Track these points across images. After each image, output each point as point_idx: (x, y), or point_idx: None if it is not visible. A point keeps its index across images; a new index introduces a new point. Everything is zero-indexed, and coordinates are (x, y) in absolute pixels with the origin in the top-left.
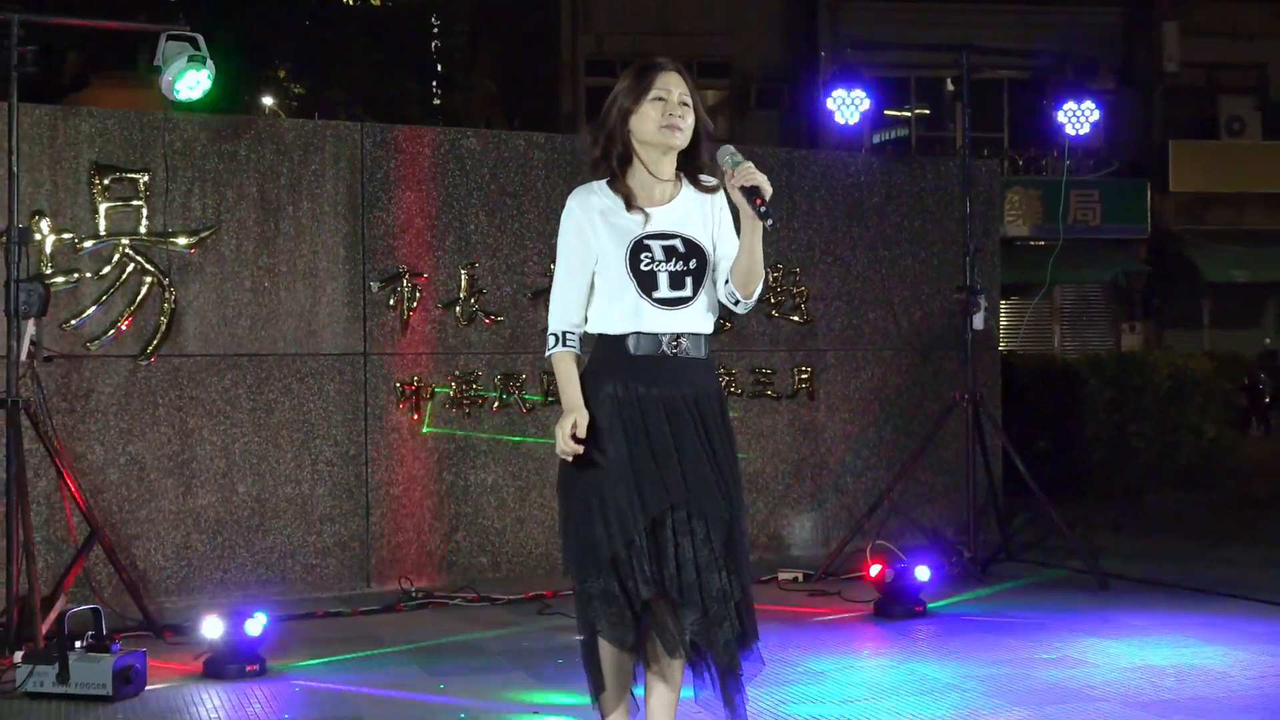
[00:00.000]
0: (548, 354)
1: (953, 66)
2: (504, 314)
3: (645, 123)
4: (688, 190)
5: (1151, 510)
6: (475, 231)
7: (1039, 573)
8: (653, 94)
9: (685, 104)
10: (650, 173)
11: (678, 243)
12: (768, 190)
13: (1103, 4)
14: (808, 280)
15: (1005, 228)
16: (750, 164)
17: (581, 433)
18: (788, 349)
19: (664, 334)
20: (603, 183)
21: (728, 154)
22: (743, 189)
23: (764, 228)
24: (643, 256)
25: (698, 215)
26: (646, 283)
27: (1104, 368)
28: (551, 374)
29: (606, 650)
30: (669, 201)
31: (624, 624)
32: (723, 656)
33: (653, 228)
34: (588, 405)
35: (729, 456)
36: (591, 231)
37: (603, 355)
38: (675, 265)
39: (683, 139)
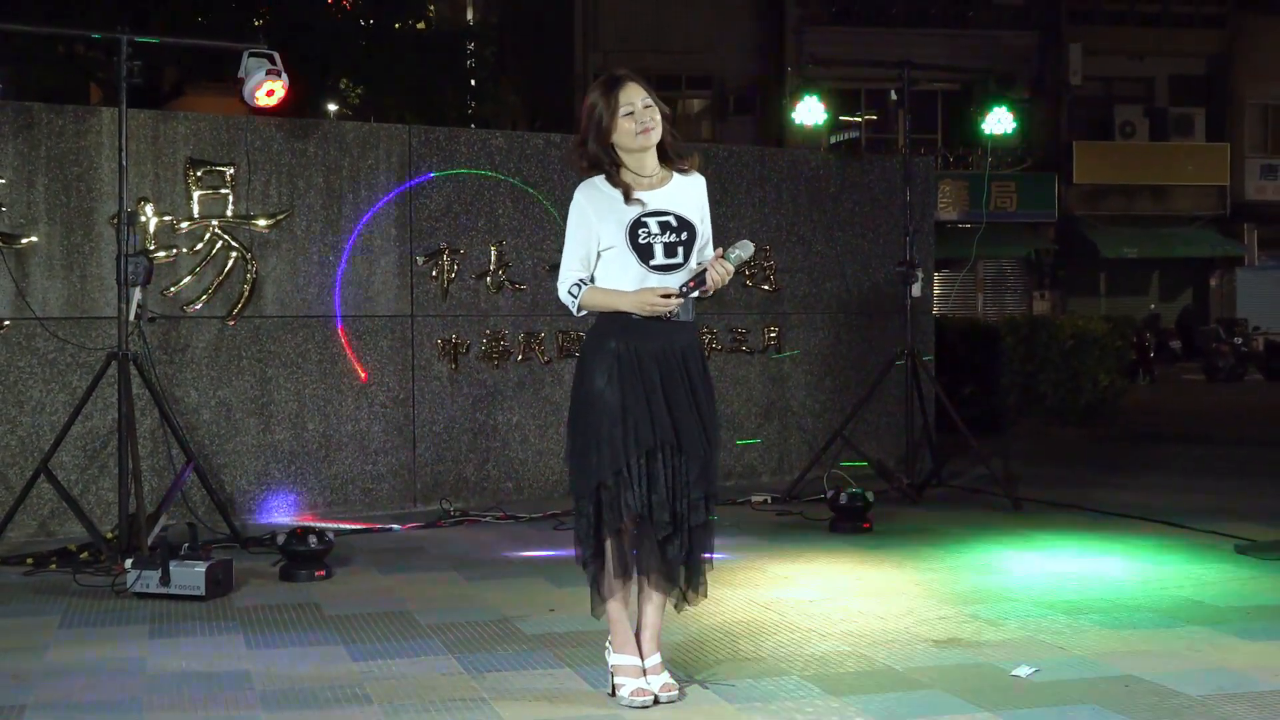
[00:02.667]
0: (577, 304)
1: (896, 80)
2: (526, 283)
3: (623, 136)
4: (678, 176)
5: (1057, 444)
6: (503, 215)
7: (964, 496)
8: (622, 110)
9: (649, 106)
10: (636, 166)
11: (670, 219)
12: (710, 288)
13: (1019, 28)
14: (776, 256)
15: (938, 213)
16: (732, 270)
17: (663, 296)
18: (759, 312)
19: None
20: (603, 177)
21: (738, 248)
22: (706, 270)
23: (682, 288)
24: (640, 232)
25: (687, 196)
26: (645, 253)
27: (1018, 328)
28: (565, 331)
29: (600, 552)
30: (661, 186)
31: (589, 544)
32: (678, 560)
33: (649, 208)
34: (593, 357)
35: (709, 401)
36: (595, 217)
37: (607, 317)
38: (669, 237)
39: (656, 135)
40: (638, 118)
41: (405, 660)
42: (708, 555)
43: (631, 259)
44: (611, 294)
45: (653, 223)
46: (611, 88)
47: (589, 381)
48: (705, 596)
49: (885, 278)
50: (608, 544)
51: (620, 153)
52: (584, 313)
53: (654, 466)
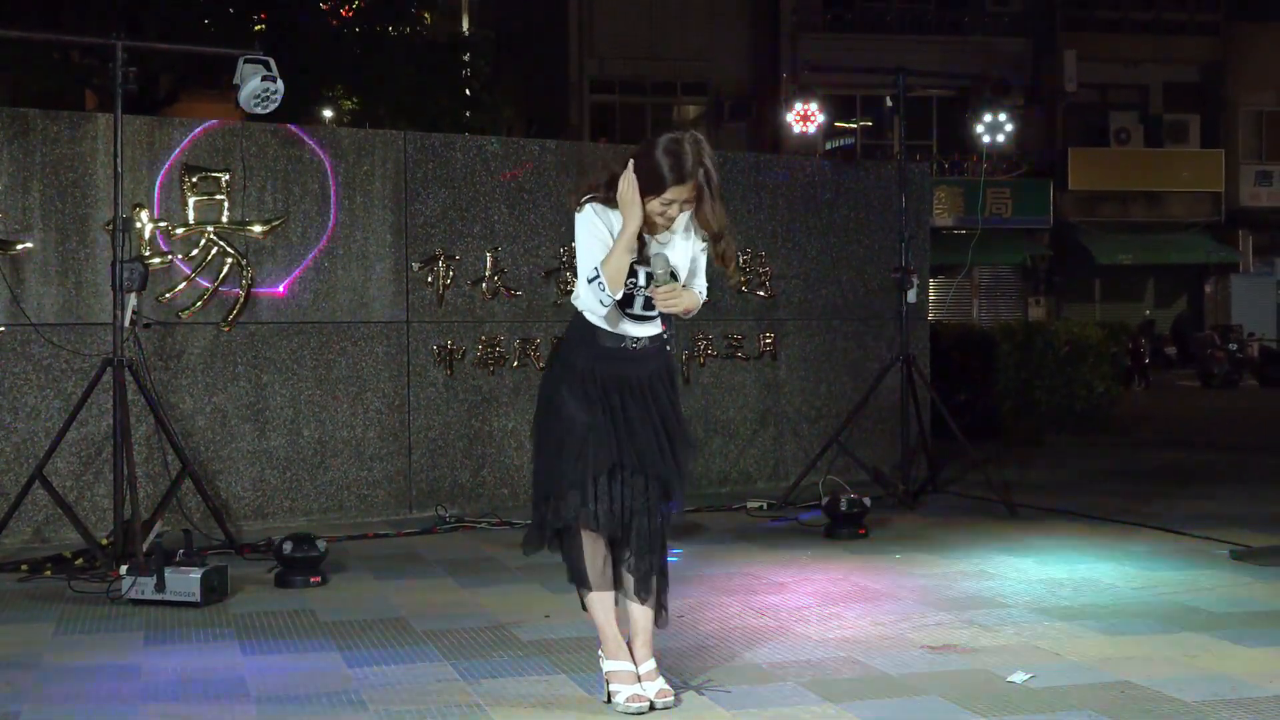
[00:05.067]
0: (600, 282)
1: (890, 86)
2: (521, 289)
3: (649, 211)
4: (679, 227)
5: (1052, 450)
6: (498, 221)
7: (960, 502)
8: (665, 198)
9: (684, 207)
10: (646, 226)
11: (659, 274)
12: (677, 311)
13: (1014, 35)
14: (771, 262)
15: (933, 219)
16: (668, 287)
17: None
18: (755, 319)
19: (629, 337)
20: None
21: (660, 264)
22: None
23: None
24: (629, 281)
25: (681, 249)
26: (625, 301)
27: (1013, 334)
28: (560, 338)
29: (583, 546)
30: (660, 233)
31: (540, 536)
32: (646, 579)
33: (643, 254)
34: (561, 372)
35: (675, 422)
36: (609, 233)
37: (577, 332)
38: (651, 291)
39: (664, 231)
40: (666, 215)
41: (400, 666)
42: (658, 571)
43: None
44: (614, 248)
45: (641, 273)
46: (679, 175)
47: (556, 395)
48: (665, 610)
49: (880, 284)
50: (585, 546)
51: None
52: (611, 303)
53: (614, 486)
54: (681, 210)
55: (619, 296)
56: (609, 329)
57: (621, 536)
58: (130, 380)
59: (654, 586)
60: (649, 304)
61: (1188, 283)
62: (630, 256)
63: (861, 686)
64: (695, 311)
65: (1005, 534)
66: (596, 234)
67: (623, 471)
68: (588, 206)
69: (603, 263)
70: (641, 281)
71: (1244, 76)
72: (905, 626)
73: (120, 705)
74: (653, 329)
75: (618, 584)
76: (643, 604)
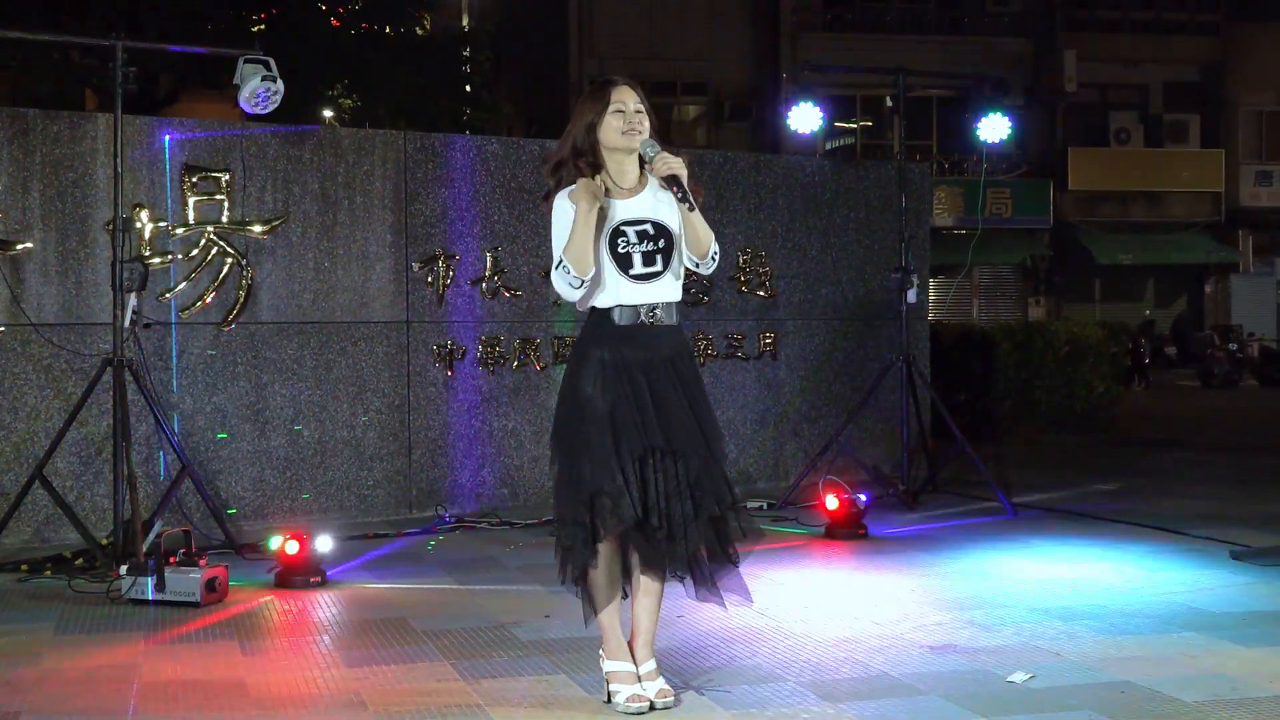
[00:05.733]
0: (565, 266)
1: (891, 86)
2: (522, 289)
3: (609, 132)
4: (653, 181)
5: (1051, 451)
6: (498, 221)
7: (960, 502)
8: (612, 108)
9: (639, 111)
10: (617, 172)
11: (648, 226)
12: (683, 174)
13: (1014, 35)
14: (772, 262)
15: (933, 219)
16: (666, 154)
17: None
18: (755, 318)
19: (641, 305)
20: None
21: (647, 146)
22: (664, 178)
23: (687, 207)
24: (619, 241)
25: (663, 201)
26: (623, 262)
27: (1013, 334)
28: (561, 337)
29: (595, 562)
30: (639, 193)
31: (586, 555)
32: (681, 563)
33: (626, 215)
34: (579, 368)
35: (704, 402)
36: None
37: (592, 325)
38: (646, 246)
39: (639, 141)
40: (627, 117)
41: (400, 666)
42: (725, 549)
43: (610, 268)
44: (574, 226)
45: (631, 231)
46: (605, 86)
47: (577, 392)
48: (724, 596)
49: (881, 284)
50: (599, 554)
51: (603, 151)
52: (581, 285)
53: (645, 472)
54: (639, 116)
55: (588, 277)
56: (625, 303)
57: (657, 522)
58: (130, 380)
59: (673, 571)
60: (649, 259)
61: (1188, 283)
62: (592, 230)
63: (861, 686)
64: (712, 243)
65: (1005, 534)
66: (567, 221)
67: (653, 455)
68: (562, 196)
69: (565, 246)
70: (633, 239)
71: (1244, 76)
72: (905, 626)
73: (120, 706)
74: (665, 292)
75: (628, 573)
76: (661, 582)
